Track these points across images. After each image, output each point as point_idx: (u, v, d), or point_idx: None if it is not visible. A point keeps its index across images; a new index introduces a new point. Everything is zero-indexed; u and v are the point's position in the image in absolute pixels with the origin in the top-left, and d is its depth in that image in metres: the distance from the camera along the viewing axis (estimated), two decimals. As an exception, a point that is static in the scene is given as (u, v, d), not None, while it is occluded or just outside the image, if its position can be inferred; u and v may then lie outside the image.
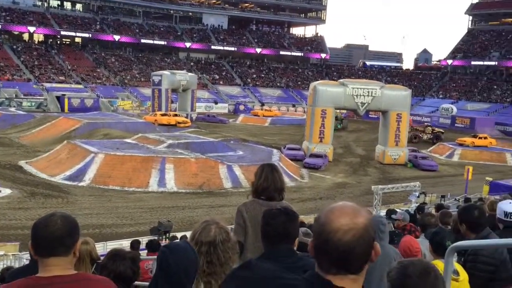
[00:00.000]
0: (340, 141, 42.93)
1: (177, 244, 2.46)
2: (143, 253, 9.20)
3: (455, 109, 64.83)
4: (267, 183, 4.00)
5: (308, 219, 12.66)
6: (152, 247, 9.18)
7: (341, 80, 40.26)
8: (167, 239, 15.12)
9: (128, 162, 25.65)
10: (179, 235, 13.92)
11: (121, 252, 3.49)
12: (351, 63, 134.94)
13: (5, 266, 10.96)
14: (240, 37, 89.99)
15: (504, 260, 3.84)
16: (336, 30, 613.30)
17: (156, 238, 14.53)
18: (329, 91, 35.28)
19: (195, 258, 2.41)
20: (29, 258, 8.05)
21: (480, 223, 4.01)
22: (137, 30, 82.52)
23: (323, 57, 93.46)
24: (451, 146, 41.33)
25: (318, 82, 39.37)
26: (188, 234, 8.52)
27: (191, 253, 2.40)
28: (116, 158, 25.87)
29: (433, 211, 11.49)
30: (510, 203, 4.44)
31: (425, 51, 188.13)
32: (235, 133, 44.53)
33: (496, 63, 78.50)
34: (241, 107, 67.62)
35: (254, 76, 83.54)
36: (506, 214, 4.30)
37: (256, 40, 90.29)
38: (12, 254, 12.42)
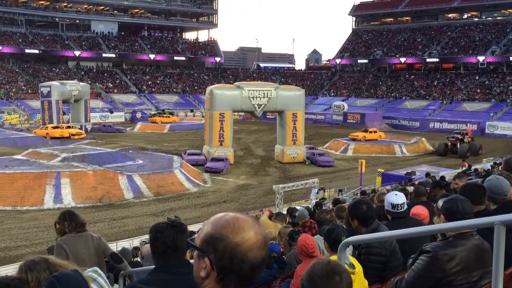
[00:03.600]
0: (240, 143, 43.54)
1: (67, 273, 2.26)
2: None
3: (346, 106, 68.17)
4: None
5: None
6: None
7: (236, 83, 40.83)
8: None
9: (19, 180, 24.18)
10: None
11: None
12: (246, 66, 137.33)
13: None
14: (132, 44, 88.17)
15: (393, 249, 4.15)
16: (229, 34, 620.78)
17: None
18: (225, 95, 35.65)
19: (81, 284, 2.23)
20: None
21: (369, 217, 4.29)
22: (20, 40, 77.96)
23: (217, 60, 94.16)
24: (345, 141, 43.42)
25: (214, 86, 39.66)
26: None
27: (82, 284, 2.22)
28: (5, 176, 24.28)
29: (331, 206, 12.07)
30: (396, 195, 4.77)
31: (315, 52, 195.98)
32: (133, 142, 43.60)
33: (380, 60, 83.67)
34: (138, 115, 66.28)
35: (150, 82, 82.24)
36: (393, 206, 4.62)
37: (149, 46, 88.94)
38: None
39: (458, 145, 39.21)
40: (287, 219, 10.26)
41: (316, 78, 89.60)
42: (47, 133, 42.85)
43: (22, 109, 61.42)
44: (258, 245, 1.59)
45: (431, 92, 71.74)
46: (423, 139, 45.43)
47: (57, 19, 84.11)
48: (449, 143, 40.18)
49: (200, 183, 28.80)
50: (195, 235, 1.71)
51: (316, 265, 2.10)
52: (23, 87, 69.10)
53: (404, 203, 4.65)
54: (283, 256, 5.89)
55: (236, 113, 43.49)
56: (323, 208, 10.75)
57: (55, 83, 52.15)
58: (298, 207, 11.44)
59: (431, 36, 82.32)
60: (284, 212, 13.42)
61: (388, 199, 4.72)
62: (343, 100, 72.87)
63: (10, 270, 12.08)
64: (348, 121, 62.57)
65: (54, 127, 44.79)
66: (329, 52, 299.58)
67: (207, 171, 31.82)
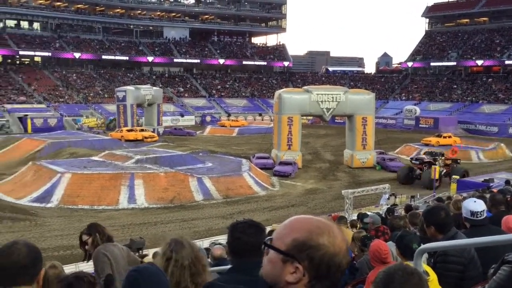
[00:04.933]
0: (308, 147, 43.32)
1: (146, 267, 2.36)
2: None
3: (418, 110, 66.25)
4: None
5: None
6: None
7: (305, 87, 40.68)
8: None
9: (96, 180, 25.29)
10: (152, 251, 13.78)
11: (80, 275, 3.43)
12: (314, 70, 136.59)
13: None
14: (202, 49, 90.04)
15: (472, 258, 3.97)
16: (297, 38, 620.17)
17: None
18: (294, 99, 35.62)
19: (166, 281, 2.34)
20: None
21: (447, 223, 4.13)
22: (98, 47, 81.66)
23: (286, 65, 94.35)
24: (417, 146, 42.17)
25: (283, 90, 39.77)
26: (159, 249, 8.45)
27: (161, 276, 2.33)
28: (83, 177, 25.48)
29: (403, 213, 11.74)
30: (475, 202, 4.57)
31: (385, 55, 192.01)
32: (203, 145, 44.44)
33: (455, 63, 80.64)
34: (208, 119, 67.53)
35: (219, 87, 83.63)
36: (472, 213, 4.42)
37: (218, 51, 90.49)
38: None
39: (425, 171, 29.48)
40: (358, 225, 10.09)
41: (386, 81, 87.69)
42: (122, 136, 44.50)
43: (99, 113, 64.27)
44: (346, 251, 1.62)
45: (511, 95, 68.30)
46: (502, 144, 43.26)
47: (131, 26, 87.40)
48: (416, 168, 30.53)
49: (269, 187, 28.91)
50: (270, 237, 1.71)
51: (392, 268, 2.02)
52: (100, 92, 72.26)
53: (483, 210, 4.46)
54: (354, 262, 5.80)
55: (304, 117, 43.32)
56: (395, 214, 10.49)
57: (130, 87, 54.18)
58: (368, 213, 11.22)
59: (510, 37, 78.44)
60: (354, 217, 13.20)
61: (466, 206, 4.53)
62: (415, 104, 70.83)
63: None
64: (420, 125, 60.71)
65: (128, 130, 46.50)
66: (400, 55, 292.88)
67: (275, 174, 31.91)
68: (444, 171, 30.01)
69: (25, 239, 2.41)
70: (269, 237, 1.72)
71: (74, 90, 71.21)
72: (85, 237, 5.05)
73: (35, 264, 2.27)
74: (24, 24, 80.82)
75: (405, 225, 6.29)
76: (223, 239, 14.90)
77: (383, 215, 11.49)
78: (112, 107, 59.52)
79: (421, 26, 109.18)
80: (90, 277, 3.10)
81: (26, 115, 55.65)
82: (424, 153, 33.57)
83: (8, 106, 60.30)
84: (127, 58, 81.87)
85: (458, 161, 31.91)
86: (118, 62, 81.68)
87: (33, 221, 20.86)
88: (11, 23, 79.09)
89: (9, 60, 75.16)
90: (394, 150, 42.22)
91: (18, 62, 76.49)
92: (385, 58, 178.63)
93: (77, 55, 77.15)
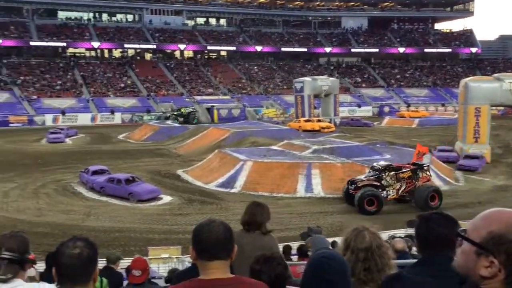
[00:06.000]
0: (498, 140, 39.60)
1: (332, 253, 2.43)
2: (294, 258, 9.27)
3: None
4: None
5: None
6: (303, 252, 9.21)
7: (495, 74, 37.18)
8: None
9: (276, 169, 26.13)
10: (329, 240, 13.79)
11: (274, 255, 3.48)
12: (507, 56, 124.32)
13: (170, 268, 11.77)
14: (381, 38, 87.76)
15: None
16: (487, 22, 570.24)
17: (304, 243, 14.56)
18: (482, 88, 32.78)
19: (347, 269, 2.40)
20: (190, 260, 8.55)
21: None
22: (278, 39, 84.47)
23: (473, 51, 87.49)
24: None
25: (469, 78, 36.79)
26: (338, 239, 8.36)
27: (345, 262, 2.39)
28: (264, 165, 26.53)
29: None
30: None
31: None
32: (380, 136, 43.33)
33: None
34: (386, 109, 65.75)
35: (398, 76, 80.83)
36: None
37: (398, 39, 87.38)
38: (176, 257, 13.29)
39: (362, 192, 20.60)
40: None
41: None
42: (299, 126, 45.44)
43: (278, 104, 66.59)
44: None
45: None
46: None
47: (310, 18, 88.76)
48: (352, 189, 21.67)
49: (452, 181, 27.08)
50: (463, 227, 1.65)
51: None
52: (279, 83, 74.78)
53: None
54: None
55: (494, 108, 39.71)
56: None
57: (308, 78, 55.06)
58: None
59: None
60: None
61: None
62: None
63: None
64: None
65: (306, 121, 47.34)
66: None
67: (459, 169, 29.79)
68: (402, 187, 21.44)
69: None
70: (462, 228, 1.66)
71: (255, 82, 74.76)
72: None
73: (231, 240, 2.45)
74: (212, 21, 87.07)
75: None
76: (401, 233, 14.32)
77: None
78: (290, 98, 61.19)
79: None
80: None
81: (213, 106, 59.92)
82: (372, 168, 22.84)
83: (198, 98, 65.67)
84: (305, 49, 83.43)
85: (425, 169, 22.08)
86: (297, 53, 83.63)
87: (219, 205, 22.33)
88: (200, 20, 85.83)
89: (199, 55, 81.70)
90: None
91: (206, 56, 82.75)
92: None
93: (258, 48, 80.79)
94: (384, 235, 16.41)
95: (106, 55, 78.70)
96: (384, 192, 21.11)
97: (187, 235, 16.39)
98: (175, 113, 53.88)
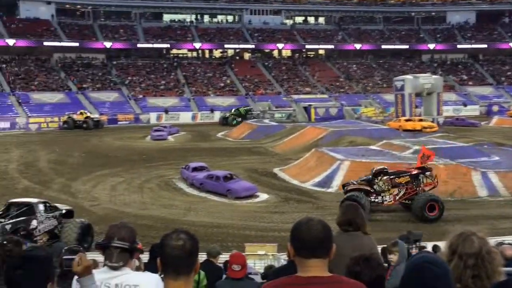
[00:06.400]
0: None
1: (434, 258, 2.34)
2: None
3: None
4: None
5: None
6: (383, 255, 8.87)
7: None
8: (417, 248, 14.49)
9: (375, 169, 25.51)
10: (429, 244, 13.19)
11: (373, 256, 3.44)
12: None
13: (266, 265, 11.85)
14: (490, 33, 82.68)
15: None
16: None
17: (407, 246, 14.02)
18: None
19: (450, 273, 2.33)
20: (287, 258, 8.52)
21: None
22: (378, 37, 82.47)
23: None
24: None
25: None
26: (440, 243, 7.92)
27: (448, 268, 2.32)
28: (362, 165, 25.94)
29: None
30: None
31: None
32: (488, 137, 40.84)
33: None
34: (495, 108, 61.90)
35: (509, 73, 75.72)
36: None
37: (509, 34, 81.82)
38: (272, 254, 13.37)
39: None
40: None
41: None
42: (399, 126, 44.06)
43: (377, 103, 65.02)
44: None
45: None
46: None
47: (412, 13, 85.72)
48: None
49: None
50: None
51: None
52: (379, 82, 73.00)
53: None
54: None
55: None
56: None
57: (409, 76, 53.12)
58: None
59: None
60: None
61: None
62: None
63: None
64: None
65: (406, 120, 45.79)
66: None
67: None
68: (400, 193, 19.67)
69: (318, 217, 2.56)
70: None
71: (353, 81, 73.58)
72: None
73: (329, 238, 2.46)
74: (311, 20, 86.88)
75: None
76: (509, 239, 13.35)
77: None
78: (390, 97, 59.48)
79: None
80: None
81: (310, 105, 59.75)
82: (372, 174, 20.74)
83: (295, 97, 65.82)
84: (406, 46, 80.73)
85: (429, 174, 20.14)
86: (398, 51, 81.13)
87: (315, 204, 22.18)
88: (299, 19, 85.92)
89: (297, 54, 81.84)
90: None
91: (304, 55, 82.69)
92: None
93: (357, 46, 79.38)
94: (492, 240, 15.44)
95: (207, 55, 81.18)
96: (379, 197, 19.53)
97: (283, 233, 16.45)
98: (234, 113, 55.85)
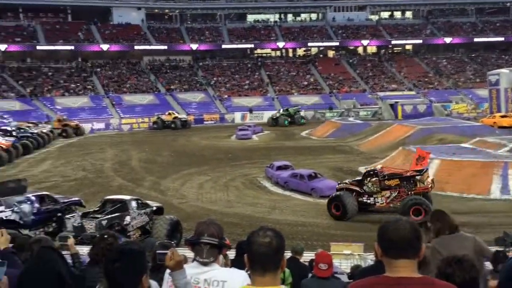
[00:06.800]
0: None
1: None
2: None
3: None
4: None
5: None
6: (498, 259, 8.38)
7: None
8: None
9: (466, 168, 24.33)
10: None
11: (465, 257, 3.33)
12: None
13: (352, 264, 11.67)
14: None
15: None
16: None
17: (502, 249, 13.27)
18: None
19: None
20: (374, 258, 8.32)
21: None
22: (469, 29, 78.65)
23: None
24: None
25: None
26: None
27: None
28: (453, 163, 24.90)
29: None
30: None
31: None
32: None
33: None
34: None
35: None
36: None
37: None
38: (358, 254, 13.13)
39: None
40: None
41: None
42: (494, 122, 41.78)
43: (469, 98, 62.02)
44: None
45: None
46: None
47: (508, 4, 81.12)
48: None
49: None
50: None
51: None
52: (471, 76, 69.65)
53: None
54: None
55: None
56: None
57: (504, 70, 50.11)
58: None
59: None
60: None
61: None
62: None
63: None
64: None
65: (502, 116, 43.31)
66: None
67: None
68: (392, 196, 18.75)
69: (407, 217, 2.52)
70: None
71: (443, 76, 70.72)
72: (428, 224, 4.92)
73: (419, 239, 2.41)
74: (397, 14, 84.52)
75: None
76: None
77: None
78: (483, 92, 56.52)
79: None
80: None
81: (397, 102, 58.14)
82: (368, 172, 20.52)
83: (381, 94, 64.31)
84: (502, 39, 76.33)
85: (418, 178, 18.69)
86: (492, 44, 76.93)
87: (403, 204, 21.53)
88: (385, 14, 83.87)
89: (383, 50, 79.93)
90: None
91: (390, 51, 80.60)
92: None
93: (447, 40, 76.20)
94: None
95: (290, 54, 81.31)
96: (371, 199, 18.98)
97: (369, 233, 16.11)
98: (284, 113, 55.12)
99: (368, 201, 19.09)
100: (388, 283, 2.37)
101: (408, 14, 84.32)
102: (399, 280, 2.35)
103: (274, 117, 56.02)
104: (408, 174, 19.06)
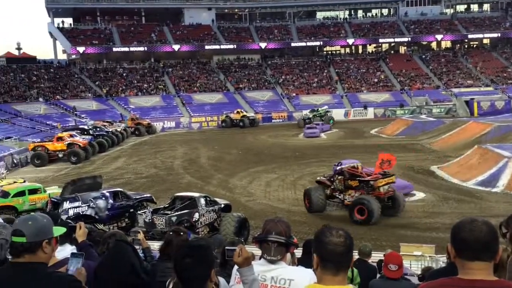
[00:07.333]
0: None
1: None
2: None
3: None
4: None
5: None
6: None
7: None
8: None
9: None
10: None
11: None
12: None
13: (423, 266, 11.36)
14: None
15: None
16: None
17: None
18: None
19: None
20: (446, 260, 8.05)
21: None
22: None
23: None
24: None
25: None
26: None
27: None
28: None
29: None
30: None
31: None
32: None
33: None
34: None
35: None
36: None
37: None
38: (429, 256, 12.75)
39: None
40: None
41: None
42: None
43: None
44: None
45: None
46: None
47: None
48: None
49: None
50: None
51: None
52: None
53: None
54: None
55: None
56: None
57: None
58: None
59: None
60: None
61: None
62: None
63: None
64: None
65: None
66: None
67: None
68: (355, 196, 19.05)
69: (483, 218, 2.41)
70: None
71: (523, 71, 67.16)
72: (503, 230, 4.58)
73: (496, 241, 2.31)
74: (474, 7, 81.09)
75: None
76: None
77: None
78: None
79: None
80: None
81: (473, 98, 55.83)
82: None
83: (455, 90, 61.97)
84: None
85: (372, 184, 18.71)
86: None
87: (477, 204, 20.68)
88: (461, 8, 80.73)
89: (458, 45, 77.00)
90: None
91: (466, 46, 77.49)
92: None
93: (528, 33, 72.23)
94: None
95: (360, 51, 79.97)
96: (341, 195, 19.62)
97: (441, 234, 15.63)
98: (316, 113, 53.91)
99: (339, 197, 19.75)
100: (461, 285, 2.29)
101: (486, 6, 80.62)
102: (473, 283, 2.27)
103: (306, 118, 53.91)
104: (367, 178, 19.01)
